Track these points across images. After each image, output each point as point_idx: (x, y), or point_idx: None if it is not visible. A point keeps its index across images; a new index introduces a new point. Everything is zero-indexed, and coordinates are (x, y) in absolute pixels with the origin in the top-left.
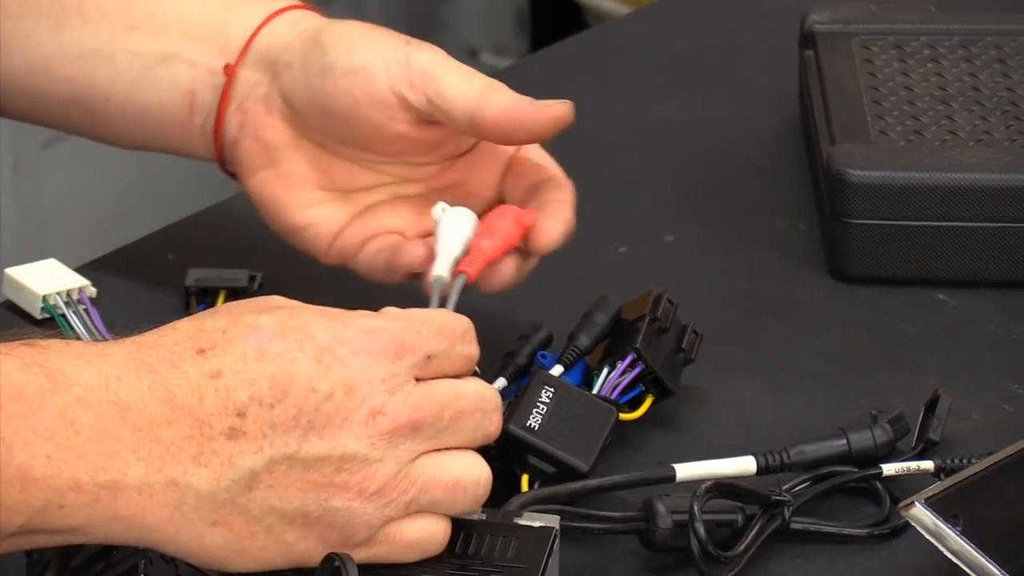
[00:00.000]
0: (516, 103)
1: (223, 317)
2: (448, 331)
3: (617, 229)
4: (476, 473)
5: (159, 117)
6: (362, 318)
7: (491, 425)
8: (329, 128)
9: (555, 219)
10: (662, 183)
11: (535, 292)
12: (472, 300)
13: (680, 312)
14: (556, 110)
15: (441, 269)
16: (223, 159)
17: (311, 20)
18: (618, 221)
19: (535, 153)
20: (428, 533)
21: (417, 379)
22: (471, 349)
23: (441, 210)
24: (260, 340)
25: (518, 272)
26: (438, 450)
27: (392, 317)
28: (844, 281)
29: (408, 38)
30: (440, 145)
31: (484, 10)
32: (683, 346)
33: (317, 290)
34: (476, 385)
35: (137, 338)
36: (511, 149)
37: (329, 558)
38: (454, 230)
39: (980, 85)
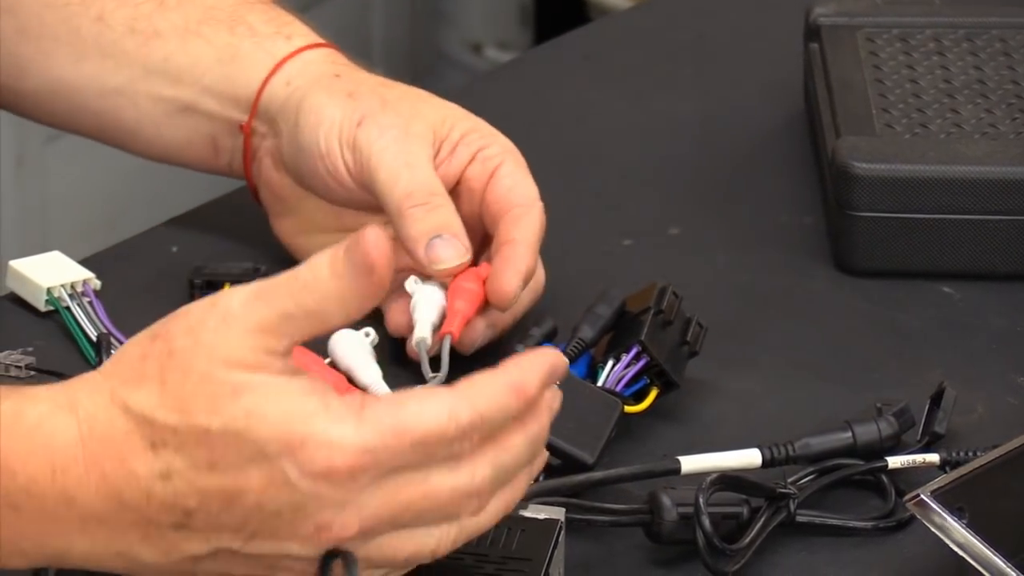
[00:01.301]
0: (412, 238)
1: (173, 412)
2: (431, 443)
3: (621, 222)
4: (432, 546)
5: (187, 154)
6: (329, 428)
7: (470, 505)
8: (311, 186)
9: (509, 268)
10: (666, 176)
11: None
12: None
13: (684, 305)
14: (439, 267)
15: (423, 332)
16: (256, 195)
17: (308, 74)
18: (622, 214)
19: (504, 179)
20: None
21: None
22: (463, 447)
23: (414, 282)
24: (211, 453)
25: (492, 329)
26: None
27: (363, 430)
28: (849, 274)
29: (367, 114)
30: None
31: (487, 4)
32: (688, 339)
33: None
34: (452, 477)
35: (92, 410)
36: (482, 181)
37: (329, 555)
38: (429, 299)
39: (985, 78)
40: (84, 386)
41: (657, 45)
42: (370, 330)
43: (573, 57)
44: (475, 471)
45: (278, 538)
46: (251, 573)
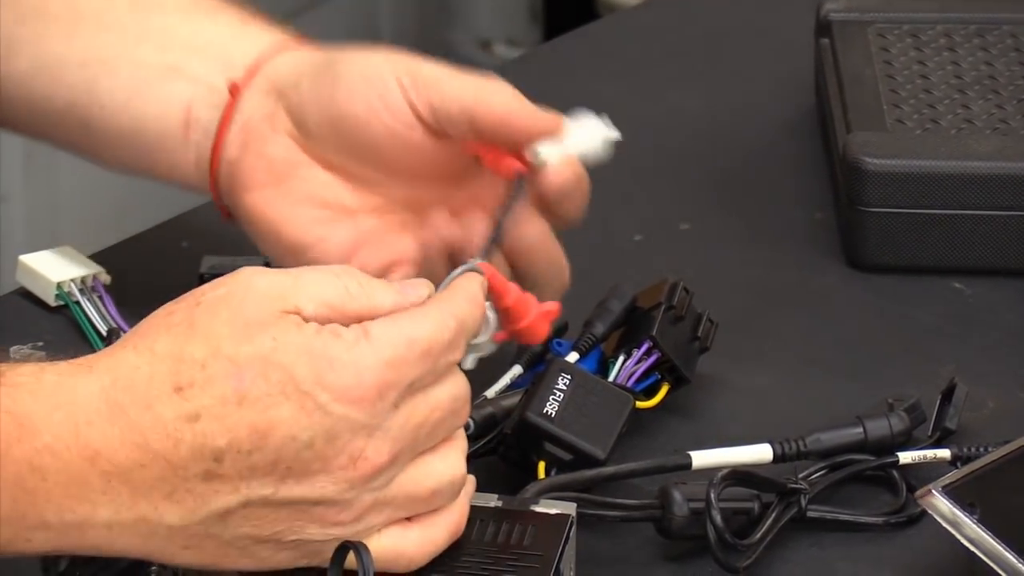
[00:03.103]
0: (508, 105)
1: (201, 344)
2: (435, 348)
3: (632, 217)
4: (450, 474)
5: (152, 129)
6: (348, 352)
7: (460, 419)
8: (341, 141)
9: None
10: (677, 172)
11: None
12: None
13: (696, 300)
14: (547, 121)
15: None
16: (215, 181)
17: (323, 53)
18: (633, 210)
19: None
20: (393, 554)
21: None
22: (455, 355)
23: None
24: (240, 381)
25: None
26: (412, 461)
27: (380, 347)
28: (860, 269)
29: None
30: (449, 164)
31: (497, 1)
32: (699, 334)
33: None
34: (449, 388)
35: (113, 363)
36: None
37: (343, 547)
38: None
39: (996, 73)
40: (104, 351)
41: (667, 41)
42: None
43: (582, 53)
44: (458, 379)
45: (311, 475)
46: (281, 530)
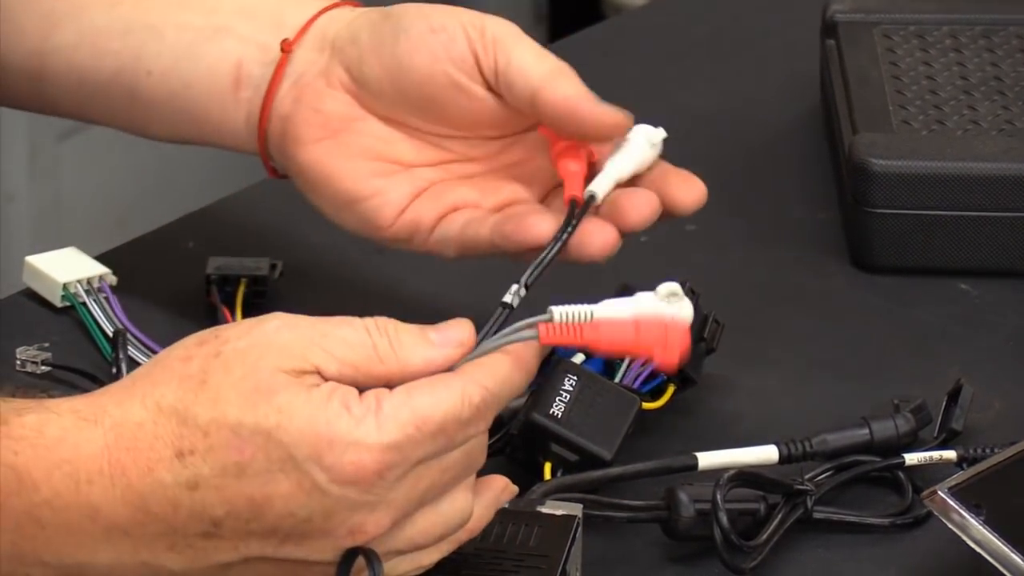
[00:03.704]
0: (577, 96)
1: (208, 408)
2: (451, 426)
3: None
4: (459, 515)
5: (201, 89)
6: (354, 431)
7: (473, 469)
8: (401, 94)
9: (683, 180)
10: None
11: (555, 280)
12: (491, 289)
13: (701, 301)
14: (613, 119)
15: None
16: (263, 138)
17: (376, 10)
18: None
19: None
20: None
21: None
22: (477, 429)
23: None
24: (241, 456)
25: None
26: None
27: (387, 427)
28: (866, 271)
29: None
30: (508, 121)
31: (501, 2)
32: (705, 335)
33: (338, 277)
34: (465, 447)
35: (120, 416)
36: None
37: (351, 552)
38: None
39: (1002, 75)
40: (113, 396)
41: (672, 42)
42: None
43: (588, 54)
44: (479, 441)
45: (310, 540)
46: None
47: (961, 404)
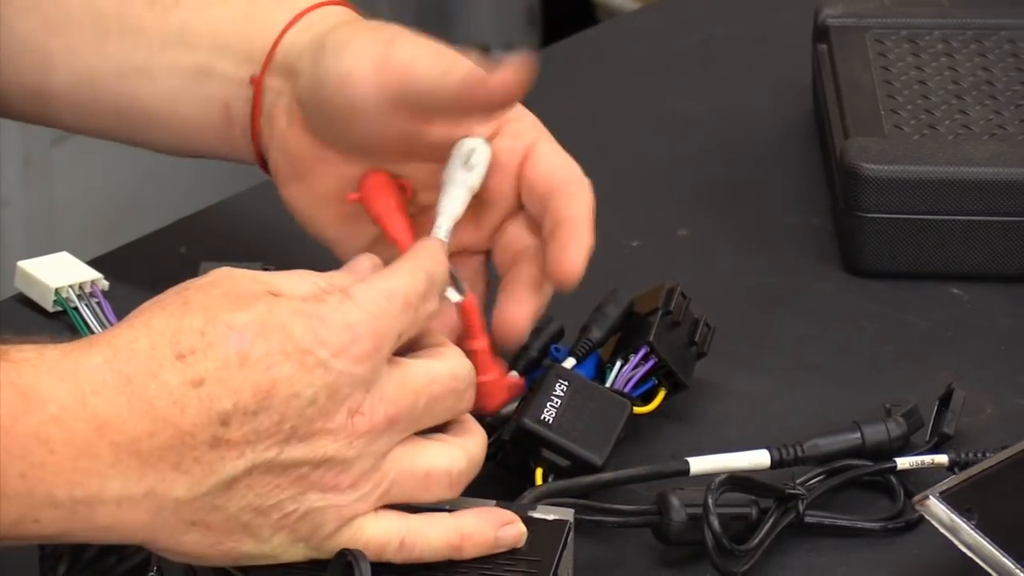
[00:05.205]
0: (473, 72)
1: (198, 315)
2: (413, 299)
3: (629, 223)
4: (447, 463)
5: (201, 129)
6: (337, 311)
7: (463, 403)
8: (337, 134)
9: (572, 245)
10: (674, 177)
11: None
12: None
13: (693, 306)
14: (506, 74)
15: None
16: (266, 167)
17: (330, 20)
18: (630, 215)
19: (546, 156)
20: (387, 538)
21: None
22: (432, 305)
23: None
24: (241, 343)
25: (536, 314)
26: (412, 439)
27: (364, 302)
28: (858, 275)
29: (397, 34)
30: (443, 142)
31: (494, 6)
32: (696, 340)
33: None
34: (449, 364)
35: (112, 339)
36: (519, 155)
37: (341, 554)
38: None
39: (994, 79)
40: (98, 334)
41: (665, 46)
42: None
43: (581, 59)
44: (459, 358)
45: (313, 436)
46: (283, 499)
47: (952, 408)
